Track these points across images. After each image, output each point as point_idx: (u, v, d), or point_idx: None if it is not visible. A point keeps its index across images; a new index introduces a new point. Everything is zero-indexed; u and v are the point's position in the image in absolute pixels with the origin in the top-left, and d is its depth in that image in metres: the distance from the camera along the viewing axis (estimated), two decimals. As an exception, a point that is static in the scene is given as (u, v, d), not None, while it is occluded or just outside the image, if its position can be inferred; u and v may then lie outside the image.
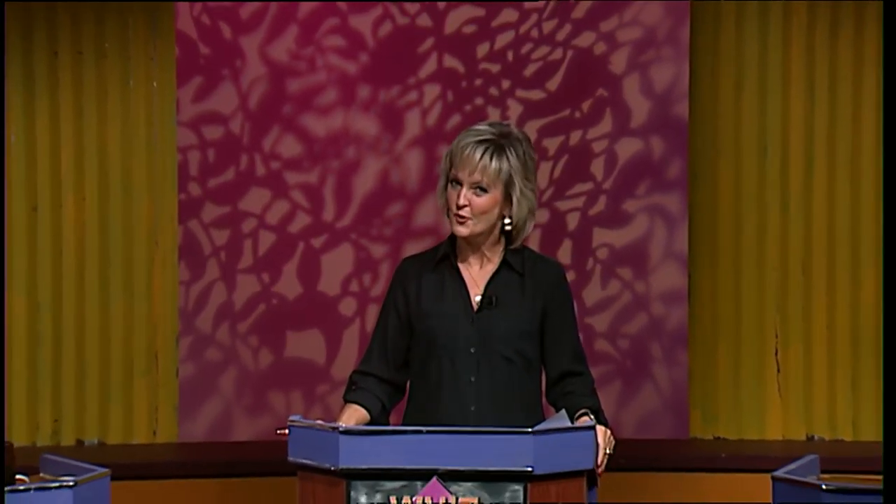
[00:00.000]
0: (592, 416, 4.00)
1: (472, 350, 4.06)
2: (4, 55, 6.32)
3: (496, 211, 4.04)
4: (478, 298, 4.09)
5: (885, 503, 3.15)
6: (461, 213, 4.02)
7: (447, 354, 4.07)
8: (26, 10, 6.71)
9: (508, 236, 4.09)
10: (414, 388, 4.16)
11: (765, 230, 6.89)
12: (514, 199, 4.03)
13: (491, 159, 4.00)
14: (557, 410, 4.07)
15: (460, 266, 4.12)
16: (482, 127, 4.04)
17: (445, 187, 4.08)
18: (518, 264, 4.10)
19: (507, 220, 4.06)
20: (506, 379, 4.07)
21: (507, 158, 4.01)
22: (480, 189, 4.01)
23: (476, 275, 4.12)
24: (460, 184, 4.02)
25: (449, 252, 4.13)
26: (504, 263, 4.11)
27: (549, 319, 4.12)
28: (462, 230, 4.05)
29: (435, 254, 4.16)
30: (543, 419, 4.00)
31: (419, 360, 4.13)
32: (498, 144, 4.01)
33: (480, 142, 4.00)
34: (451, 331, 4.07)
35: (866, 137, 6.82)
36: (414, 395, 4.17)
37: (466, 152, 3.98)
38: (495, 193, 4.02)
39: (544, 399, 4.18)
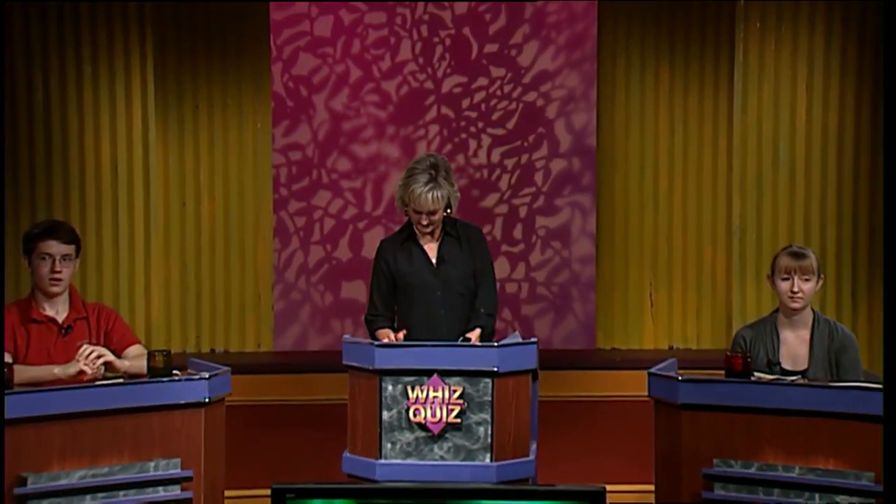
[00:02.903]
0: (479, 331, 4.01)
1: (439, 293, 4.05)
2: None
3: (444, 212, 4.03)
4: (434, 259, 4.08)
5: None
6: (427, 228, 4.03)
7: (423, 298, 4.06)
8: (179, 79, 6.66)
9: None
10: (404, 319, 4.13)
11: (643, 219, 6.86)
12: (452, 200, 4.02)
13: (437, 193, 3.96)
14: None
15: (420, 241, 4.10)
16: (421, 175, 3.98)
17: (405, 205, 4.02)
18: (454, 232, 4.11)
19: (448, 210, 4.04)
20: (460, 307, 4.08)
21: (443, 185, 3.97)
22: (435, 211, 4.00)
23: (430, 244, 4.10)
24: (421, 213, 4.00)
25: (411, 234, 4.11)
26: (446, 234, 4.09)
27: (476, 263, 4.11)
28: (429, 234, 4.06)
29: (402, 235, 4.14)
30: None
31: (404, 304, 4.11)
32: (434, 179, 3.97)
33: (425, 185, 3.96)
34: (423, 282, 4.06)
35: (707, 160, 6.79)
36: (403, 325, 4.12)
37: (421, 200, 3.96)
38: (443, 208, 4.00)
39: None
